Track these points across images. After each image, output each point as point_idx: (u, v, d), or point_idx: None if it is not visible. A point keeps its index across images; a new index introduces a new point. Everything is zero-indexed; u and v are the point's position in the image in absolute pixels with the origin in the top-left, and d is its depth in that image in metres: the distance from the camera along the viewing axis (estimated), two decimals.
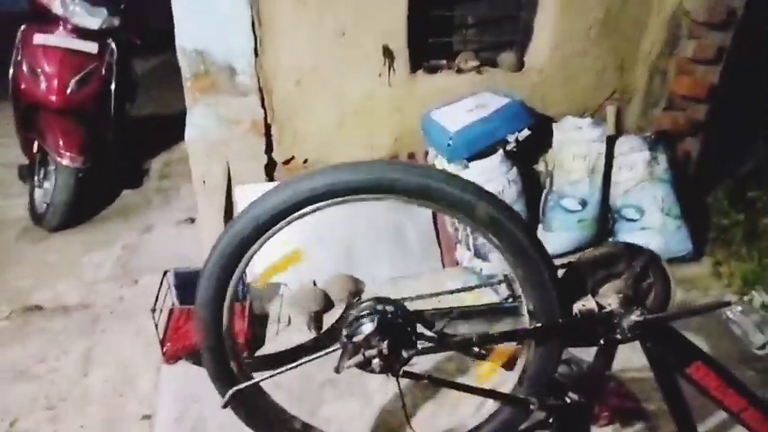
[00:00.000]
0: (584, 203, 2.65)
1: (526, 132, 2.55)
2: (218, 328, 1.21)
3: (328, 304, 2.41)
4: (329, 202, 1.14)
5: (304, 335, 2.26)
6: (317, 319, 2.33)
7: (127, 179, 3.71)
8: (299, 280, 2.46)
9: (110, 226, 3.26)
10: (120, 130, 3.62)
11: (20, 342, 2.33)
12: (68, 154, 3.03)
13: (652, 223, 2.59)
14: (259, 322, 2.32)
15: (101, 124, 3.40)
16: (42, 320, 2.47)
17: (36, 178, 3.25)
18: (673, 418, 1.31)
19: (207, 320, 1.20)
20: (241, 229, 1.17)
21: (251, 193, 2.40)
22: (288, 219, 1.15)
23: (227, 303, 1.20)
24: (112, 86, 3.33)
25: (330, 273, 2.51)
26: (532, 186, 2.71)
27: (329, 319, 2.36)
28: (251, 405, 1.31)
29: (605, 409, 1.79)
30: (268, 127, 2.53)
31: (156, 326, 2.08)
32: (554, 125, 2.72)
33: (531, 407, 1.26)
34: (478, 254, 2.58)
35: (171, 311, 2.22)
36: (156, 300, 2.11)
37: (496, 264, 2.50)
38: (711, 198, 2.90)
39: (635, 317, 1.18)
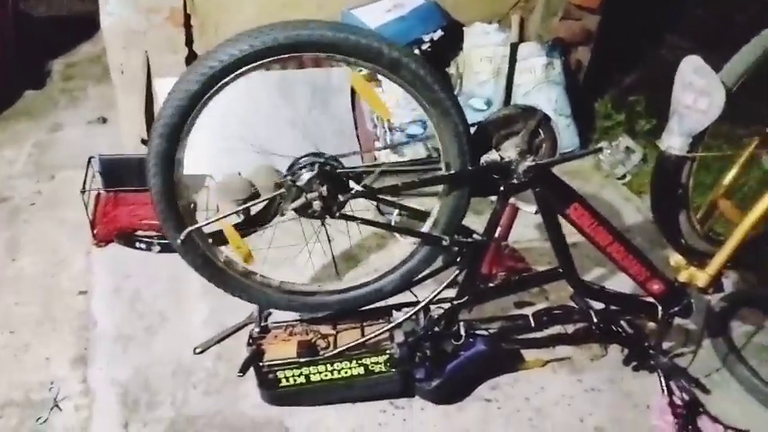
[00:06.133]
0: (489, 103, 2.91)
1: (440, 33, 2.74)
2: (169, 173, 1.32)
3: (254, 193, 2.53)
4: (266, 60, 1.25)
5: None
6: None
7: (29, 80, 3.53)
8: (223, 172, 2.56)
9: (15, 125, 3.14)
10: (18, 28, 3.42)
11: None
12: None
13: None
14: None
15: None
16: None
17: None
18: (555, 253, 1.61)
19: (160, 164, 1.31)
20: (226, 56, 1.24)
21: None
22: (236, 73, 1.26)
23: (183, 140, 1.30)
24: None
25: (253, 165, 2.62)
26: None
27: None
28: (199, 251, 1.46)
29: (501, 269, 2.09)
30: (188, 17, 2.53)
31: (87, 207, 2.13)
32: (464, 29, 2.92)
33: (444, 242, 1.51)
34: (395, 149, 2.79)
35: (98, 196, 2.27)
36: (84, 184, 2.16)
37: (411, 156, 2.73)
38: (598, 102, 3.25)
39: (528, 163, 1.43)
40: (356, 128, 2.83)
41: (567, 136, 2.92)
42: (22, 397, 1.71)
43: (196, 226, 1.40)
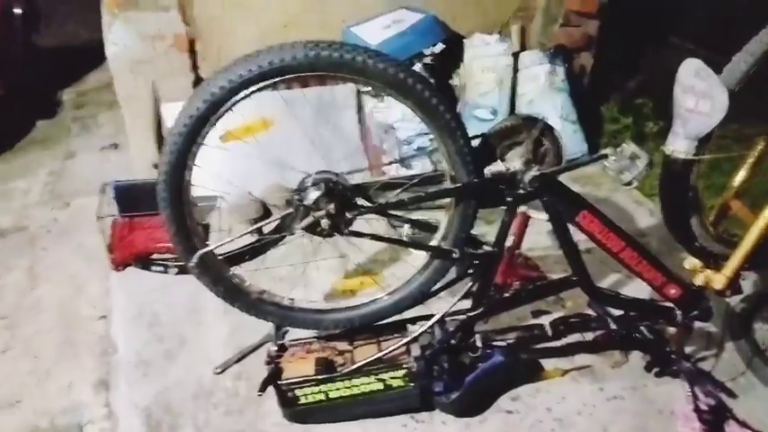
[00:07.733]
0: (494, 113, 2.92)
1: (441, 46, 2.76)
2: (179, 196, 1.35)
3: (266, 212, 2.56)
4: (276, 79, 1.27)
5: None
6: None
7: (40, 110, 3.61)
8: (234, 193, 2.58)
9: (30, 155, 3.21)
10: (28, 59, 3.50)
11: None
12: None
13: None
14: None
15: (8, 52, 3.28)
16: None
17: None
18: (568, 262, 1.61)
19: (169, 188, 1.33)
20: (209, 95, 1.27)
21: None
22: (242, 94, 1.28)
23: (187, 173, 1.33)
24: (17, 11, 3.21)
25: (264, 184, 2.64)
26: (449, 99, 2.94)
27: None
28: (213, 272, 1.48)
29: (515, 279, 2.08)
30: (192, 43, 2.57)
31: (103, 232, 2.17)
32: (465, 41, 2.95)
33: (454, 255, 1.52)
34: (404, 162, 2.80)
35: (114, 222, 2.29)
36: (99, 209, 2.19)
37: (420, 170, 2.73)
38: (604, 107, 3.26)
39: (533, 172, 1.44)
40: (364, 144, 2.85)
41: (575, 142, 2.93)
42: (47, 423, 1.73)
43: (208, 248, 1.42)
